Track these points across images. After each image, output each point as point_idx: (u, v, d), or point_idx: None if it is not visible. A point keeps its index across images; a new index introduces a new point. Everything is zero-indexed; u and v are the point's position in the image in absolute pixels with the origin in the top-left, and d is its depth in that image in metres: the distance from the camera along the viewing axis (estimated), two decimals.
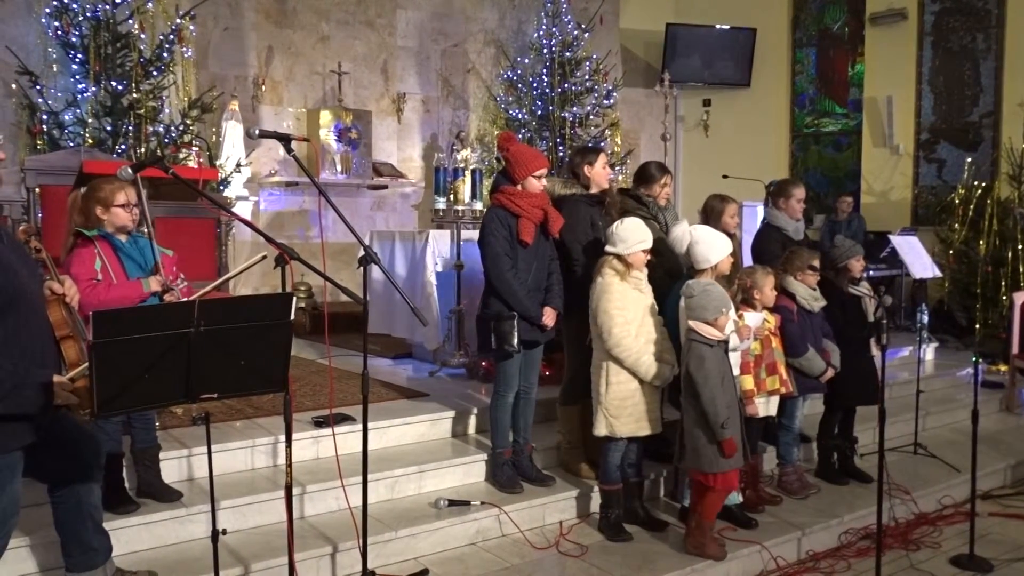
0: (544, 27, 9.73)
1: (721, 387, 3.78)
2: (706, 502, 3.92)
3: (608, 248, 4.00)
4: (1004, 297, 8.53)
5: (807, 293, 4.65)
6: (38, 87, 6.76)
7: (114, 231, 3.49)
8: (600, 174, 4.46)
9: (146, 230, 3.54)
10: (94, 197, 3.45)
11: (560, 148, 9.54)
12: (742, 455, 3.90)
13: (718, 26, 11.26)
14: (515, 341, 4.07)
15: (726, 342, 3.89)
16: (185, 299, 3.34)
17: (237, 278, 7.93)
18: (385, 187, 9.59)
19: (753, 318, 4.31)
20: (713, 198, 4.94)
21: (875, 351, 4.92)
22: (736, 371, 4.16)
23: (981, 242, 8.91)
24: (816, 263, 4.67)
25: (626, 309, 3.92)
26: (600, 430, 4.01)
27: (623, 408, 3.96)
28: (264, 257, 3.06)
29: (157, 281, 3.47)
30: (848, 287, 4.84)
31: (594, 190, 4.46)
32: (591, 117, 9.84)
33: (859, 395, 4.88)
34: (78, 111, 6.71)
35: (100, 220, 3.46)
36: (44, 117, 6.70)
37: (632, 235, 3.94)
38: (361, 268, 3.28)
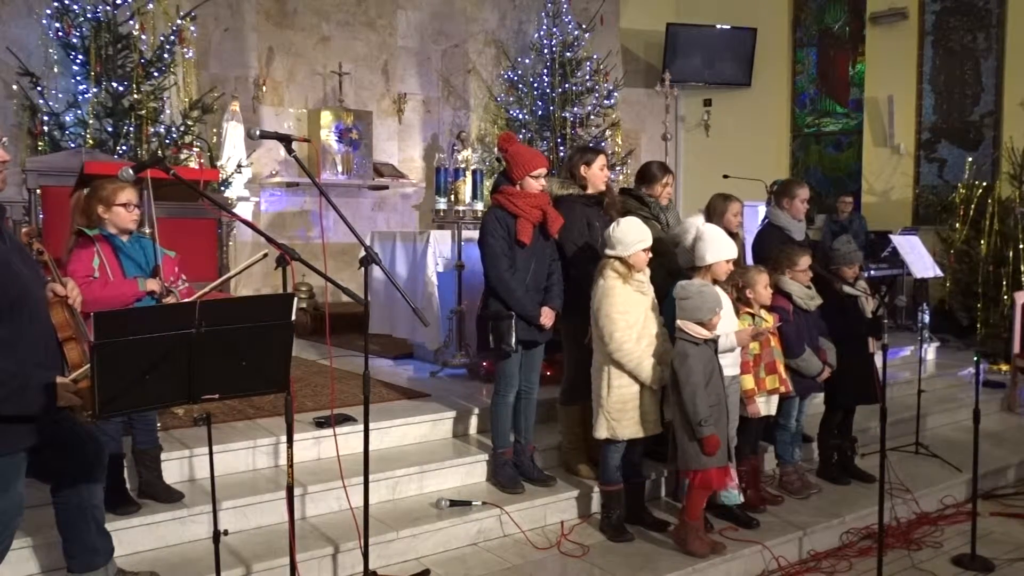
0: (544, 27, 9.74)
1: (704, 386, 3.77)
2: (689, 500, 3.95)
3: (608, 251, 3.97)
4: (1005, 296, 8.53)
5: (802, 292, 4.65)
6: (39, 88, 6.76)
7: (116, 231, 3.50)
8: (597, 175, 4.44)
9: (147, 230, 3.54)
10: (96, 196, 3.46)
11: (561, 148, 9.54)
12: (725, 455, 3.89)
13: (719, 26, 11.26)
14: (512, 340, 4.07)
15: (715, 341, 3.90)
16: (185, 300, 3.35)
17: (239, 279, 7.95)
18: (386, 187, 9.59)
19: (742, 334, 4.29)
20: (716, 197, 4.94)
21: (874, 349, 4.93)
22: (734, 371, 4.16)
23: (982, 241, 8.90)
24: (808, 260, 4.67)
25: (628, 313, 3.91)
26: (601, 432, 4.00)
27: (624, 411, 3.96)
28: (265, 255, 3.06)
29: (155, 282, 3.47)
30: (842, 287, 4.84)
31: (590, 191, 4.45)
32: (592, 117, 9.84)
33: (858, 394, 4.88)
34: (79, 112, 6.71)
35: (101, 219, 3.47)
36: (45, 118, 6.70)
37: (630, 236, 3.91)
38: (362, 268, 3.28)
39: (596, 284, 4.00)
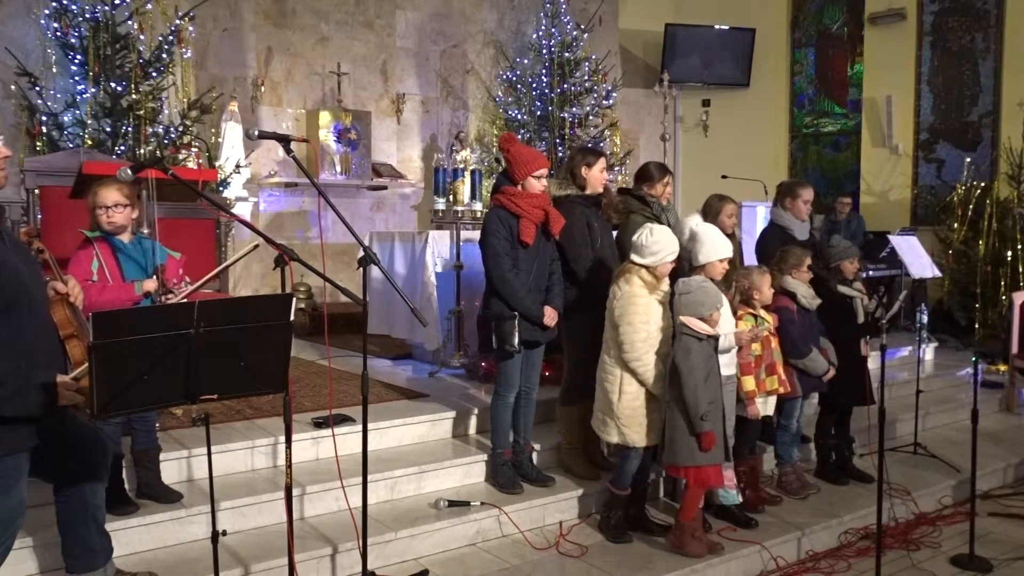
0: (543, 28, 9.74)
1: (705, 382, 3.77)
2: (684, 500, 3.94)
3: (636, 259, 3.91)
4: (1003, 297, 8.54)
5: (806, 291, 4.65)
6: (37, 88, 6.75)
7: (113, 232, 3.49)
8: (597, 177, 4.44)
9: (146, 230, 3.54)
10: (89, 199, 3.46)
11: (559, 148, 9.55)
12: (722, 453, 3.88)
13: (717, 26, 11.27)
14: (516, 341, 4.06)
15: (716, 339, 3.90)
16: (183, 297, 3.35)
17: (238, 280, 7.95)
18: (384, 188, 9.59)
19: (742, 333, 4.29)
20: (713, 197, 4.96)
21: (865, 351, 4.93)
22: (730, 371, 4.16)
23: (980, 242, 8.91)
24: (809, 261, 4.68)
25: (649, 323, 3.88)
26: (612, 437, 3.99)
27: (634, 418, 3.93)
28: (257, 246, 3.06)
29: (151, 282, 3.46)
30: (837, 287, 4.84)
31: (589, 192, 4.45)
32: (590, 117, 9.84)
33: (850, 396, 4.88)
34: (77, 112, 6.71)
35: (99, 221, 3.46)
36: (43, 118, 6.69)
37: (662, 246, 3.87)
38: (361, 269, 3.28)
39: (619, 289, 3.94)
